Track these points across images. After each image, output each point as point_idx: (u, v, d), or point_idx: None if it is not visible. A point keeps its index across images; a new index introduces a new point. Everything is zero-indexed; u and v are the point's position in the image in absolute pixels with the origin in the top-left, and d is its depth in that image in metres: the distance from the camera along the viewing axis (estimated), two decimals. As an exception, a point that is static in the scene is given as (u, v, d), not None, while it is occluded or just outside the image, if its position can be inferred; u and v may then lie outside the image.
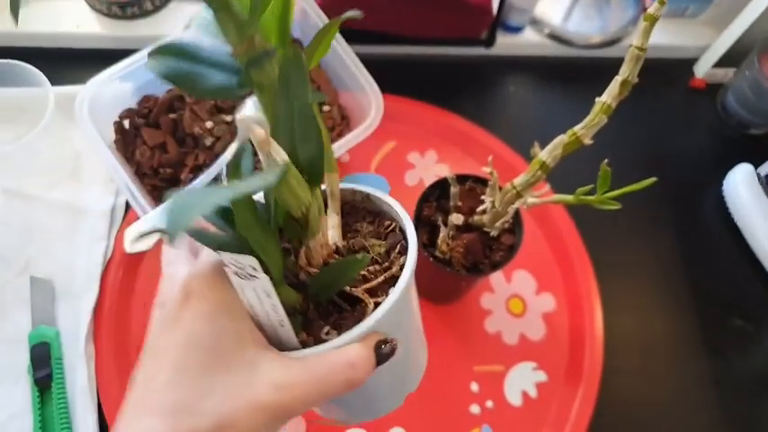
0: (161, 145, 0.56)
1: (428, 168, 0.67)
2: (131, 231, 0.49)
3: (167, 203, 0.19)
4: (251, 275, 0.25)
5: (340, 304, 0.31)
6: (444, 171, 0.66)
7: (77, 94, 0.54)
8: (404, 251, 0.33)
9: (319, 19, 0.58)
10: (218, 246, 0.26)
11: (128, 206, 0.62)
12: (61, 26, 0.70)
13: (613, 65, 0.37)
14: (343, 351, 0.26)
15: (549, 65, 0.76)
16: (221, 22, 0.23)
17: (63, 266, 0.59)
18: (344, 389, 0.26)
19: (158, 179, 0.56)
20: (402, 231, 0.35)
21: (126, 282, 0.59)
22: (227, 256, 0.25)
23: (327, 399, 0.26)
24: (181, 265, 0.30)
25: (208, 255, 0.28)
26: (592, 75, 0.72)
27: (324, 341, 0.28)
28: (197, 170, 0.57)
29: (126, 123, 0.58)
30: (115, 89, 0.57)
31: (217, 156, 0.57)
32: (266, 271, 0.26)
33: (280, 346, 0.28)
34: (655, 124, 0.73)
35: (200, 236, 0.26)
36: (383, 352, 0.28)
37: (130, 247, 0.48)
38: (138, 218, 0.51)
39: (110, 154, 0.51)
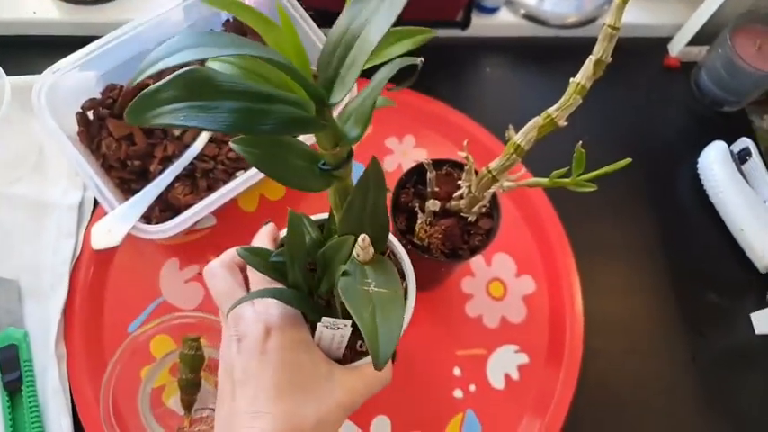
0: (128, 136, 0.54)
1: (406, 153, 0.66)
2: (100, 227, 0.47)
3: None
4: (339, 327, 0.36)
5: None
6: (422, 156, 0.65)
7: (35, 84, 0.52)
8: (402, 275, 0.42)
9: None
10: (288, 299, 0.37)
11: (96, 201, 0.60)
12: (17, 12, 0.67)
13: (590, 45, 0.37)
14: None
15: (525, 45, 0.75)
16: (321, 137, 0.31)
17: (29, 265, 0.57)
18: (382, 386, 0.38)
19: (126, 172, 0.54)
20: (395, 255, 0.43)
21: (97, 279, 0.57)
22: (328, 320, 0.36)
23: (372, 395, 0.37)
24: (247, 307, 0.37)
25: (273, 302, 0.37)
26: (568, 55, 0.71)
27: (359, 352, 0.40)
28: (166, 161, 0.55)
29: (90, 114, 0.55)
30: (76, 78, 0.55)
31: (186, 146, 0.56)
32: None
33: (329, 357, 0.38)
34: (629, 104, 0.73)
35: (280, 294, 0.37)
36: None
37: (99, 243, 0.47)
38: (105, 213, 0.49)
39: (72, 147, 0.49)
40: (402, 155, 0.66)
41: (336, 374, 0.36)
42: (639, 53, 0.74)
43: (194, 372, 0.52)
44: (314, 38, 0.58)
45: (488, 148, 0.64)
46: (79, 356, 0.54)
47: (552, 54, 0.74)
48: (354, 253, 0.35)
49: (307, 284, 0.40)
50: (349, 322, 0.36)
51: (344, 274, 0.35)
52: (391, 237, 0.41)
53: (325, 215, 0.42)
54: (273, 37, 0.30)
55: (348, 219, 0.37)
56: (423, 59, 0.33)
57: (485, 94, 0.72)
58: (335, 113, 0.31)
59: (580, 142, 0.38)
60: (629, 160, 0.37)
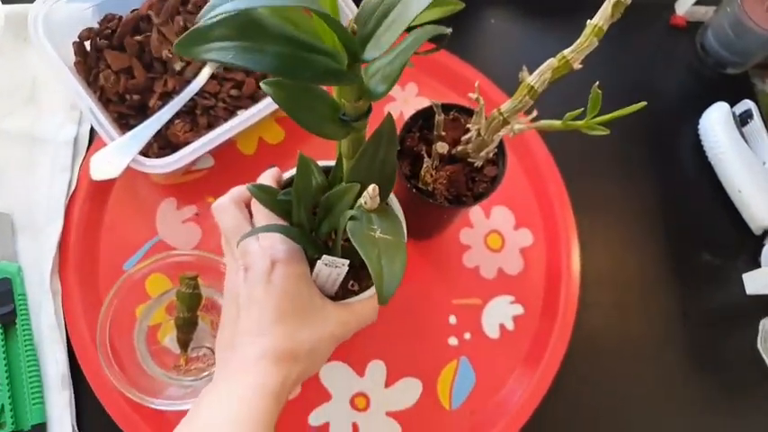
0: (127, 69, 0.53)
1: (408, 102, 0.65)
2: (99, 158, 0.46)
3: None
4: (337, 266, 0.39)
5: (356, 265, 0.42)
6: (425, 104, 0.64)
7: (30, 11, 0.50)
8: None
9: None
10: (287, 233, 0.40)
11: (92, 135, 0.58)
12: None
13: (599, 1, 0.36)
14: (371, 301, 0.42)
15: (531, -2, 0.74)
16: (347, 89, 0.32)
17: (22, 199, 0.56)
18: (369, 323, 0.42)
19: (125, 106, 0.53)
20: (389, 206, 0.44)
21: (92, 216, 0.56)
22: (328, 258, 0.38)
23: (360, 329, 0.42)
24: (253, 241, 0.40)
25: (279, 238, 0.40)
26: (574, 6, 0.71)
27: (349, 290, 0.43)
28: (166, 97, 0.53)
29: (87, 45, 0.53)
30: (72, 7, 0.53)
31: (187, 82, 0.54)
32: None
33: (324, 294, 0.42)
34: (633, 62, 0.72)
35: (287, 231, 0.40)
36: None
37: (98, 173, 0.46)
38: (103, 145, 0.48)
39: (71, 76, 0.48)
40: (404, 103, 0.65)
41: (329, 308, 0.40)
42: (645, 11, 0.73)
43: (191, 310, 0.51)
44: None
45: (491, 99, 0.63)
46: (74, 292, 0.53)
47: (557, 6, 0.73)
48: (362, 200, 0.37)
49: (309, 224, 0.42)
50: (347, 262, 0.39)
51: (352, 218, 0.37)
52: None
53: (330, 162, 0.44)
54: None
55: (358, 168, 0.39)
56: (451, 29, 0.34)
57: (489, 45, 0.71)
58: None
59: (597, 83, 0.37)
60: (644, 103, 0.37)
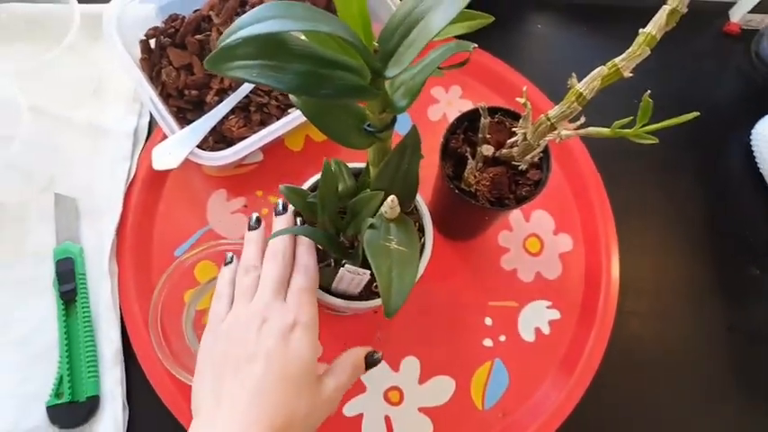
0: (187, 66, 0.56)
1: (452, 104, 0.66)
2: (161, 149, 0.49)
3: None
4: (358, 274, 0.41)
5: None
6: (468, 106, 0.65)
7: (103, 11, 0.53)
8: (421, 229, 0.47)
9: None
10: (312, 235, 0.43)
11: (150, 128, 0.61)
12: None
13: (644, 9, 0.36)
14: (347, 366, 0.41)
15: (578, 4, 0.74)
16: (371, 103, 0.34)
17: (86, 185, 0.59)
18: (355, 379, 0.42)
19: (183, 101, 0.56)
20: (417, 211, 0.47)
21: (149, 202, 0.59)
22: (350, 267, 0.40)
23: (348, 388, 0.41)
24: (275, 296, 0.40)
25: (307, 290, 0.40)
26: (623, 17, 0.71)
27: (373, 291, 0.45)
28: (222, 93, 0.56)
29: (152, 43, 0.57)
30: (141, 7, 0.56)
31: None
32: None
33: (344, 295, 0.44)
34: (685, 69, 0.71)
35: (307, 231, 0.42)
36: (373, 359, 0.43)
37: (160, 164, 0.48)
38: (165, 136, 0.51)
39: (138, 71, 0.51)
40: (447, 105, 0.66)
41: (324, 380, 0.40)
42: (699, 17, 0.72)
43: (237, 297, 0.54)
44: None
45: (534, 103, 0.63)
46: (129, 275, 0.56)
47: (605, 15, 0.73)
48: (383, 209, 0.38)
49: (335, 226, 0.44)
50: (368, 272, 0.40)
51: (371, 227, 0.38)
52: (417, 194, 0.45)
53: (362, 164, 0.45)
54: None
55: (382, 176, 0.40)
56: (476, 45, 0.35)
57: (534, 49, 0.72)
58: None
59: (648, 92, 0.37)
60: (696, 114, 0.37)
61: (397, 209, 0.38)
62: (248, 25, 0.26)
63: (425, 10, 0.30)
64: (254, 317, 0.38)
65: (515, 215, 0.62)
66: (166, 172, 0.59)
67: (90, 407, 0.52)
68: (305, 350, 0.37)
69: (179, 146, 0.49)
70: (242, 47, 0.27)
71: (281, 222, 0.43)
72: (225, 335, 0.39)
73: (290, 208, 0.44)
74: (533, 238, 0.61)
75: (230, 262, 0.44)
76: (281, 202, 0.44)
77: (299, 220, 0.45)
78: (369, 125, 0.37)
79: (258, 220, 0.44)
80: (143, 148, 0.60)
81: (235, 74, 0.28)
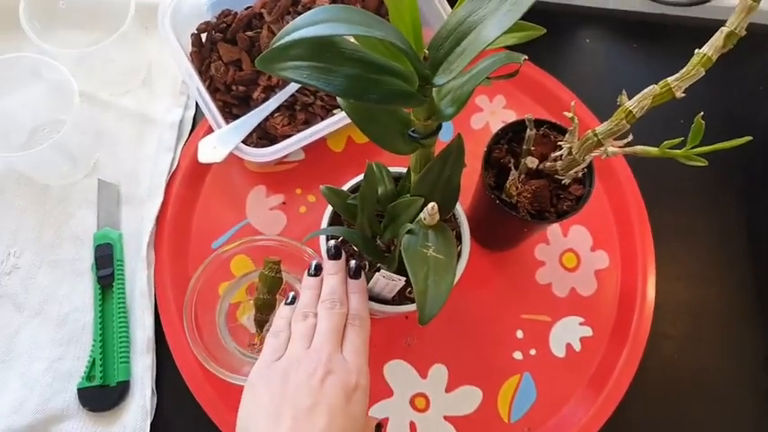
0: (236, 61, 0.56)
1: (495, 113, 0.66)
2: (206, 143, 0.49)
3: None
4: (393, 280, 0.42)
5: None
6: (511, 117, 0.65)
7: (159, 3, 0.54)
8: (458, 237, 0.47)
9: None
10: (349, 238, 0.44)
11: (195, 121, 0.62)
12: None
13: (697, 27, 0.36)
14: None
15: (628, 20, 0.73)
16: (418, 109, 0.34)
17: (129, 172, 0.60)
18: None
19: (230, 96, 0.56)
20: (455, 219, 0.48)
21: (189, 194, 0.60)
22: (386, 273, 0.41)
23: None
24: (338, 353, 0.40)
25: (364, 348, 0.41)
26: (673, 35, 0.69)
27: (407, 297, 0.46)
28: (269, 90, 0.57)
29: (203, 37, 0.57)
30: (193, 2, 0.57)
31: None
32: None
33: (377, 298, 0.45)
34: (735, 90, 0.69)
35: (347, 233, 0.43)
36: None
37: (205, 157, 0.49)
38: (209, 129, 0.51)
39: (189, 63, 0.51)
40: (491, 114, 0.66)
41: None
42: (753, 39, 0.70)
43: (271, 293, 0.54)
44: (438, 6, 0.58)
45: (580, 118, 0.63)
46: (165, 264, 0.57)
47: (657, 32, 0.71)
48: (422, 216, 0.38)
49: (372, 229, 0.44)
50: (403, 279, 0.41)
51: (409, 232, 0.38)
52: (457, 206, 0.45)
53: (403, 169, 0.45)
54: (396, 5, 0.32)
55: (423, 183, 0.40)
56: (526, 57, 0.34)
57: (581, 64, 0.71)
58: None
59: (701, 113, 0.37)
60: (749, 138, 0.36)
61: (437, 216, 0.38)
62: (303, 27, 0.26)
63: (479, 20, 0.30)
64: (315, 365, 0.38)
65: (553, 229, 0.61)
66: (208, 165, 0.59)
67: (120, 391, 0.53)
68: (361, 413, 0.38)
69: (224, 140, 0.50)
70: (294, 48, 0.28)
71: (334, 268, 0.44)
72: (282, 372, 0.39)
73: (343, 255, 0.44)
74: (570, 254, 0.61)
75: (291, 302, 0.45)
76: (333, 244, 0.44)
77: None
78: (413, 131, 0.37)
79: (318, 268, 0.45)
80: (187, 140, 0.61)
81: (286, 74, 0.28)
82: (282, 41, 0.26)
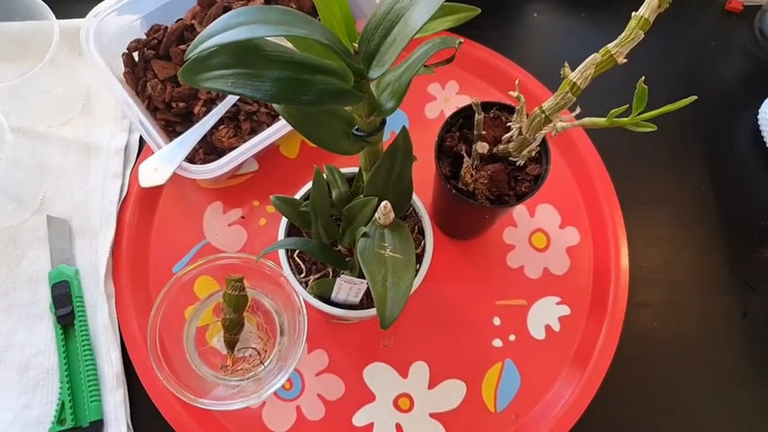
0: (172, 78, 0.54)
1: (449, 100, 0.64)
2: (147, 166, 0.48)
3: None
4: (356, 283, 0.41)
5: None
6: (466, 102, 0.63)
7: (81, 25, 0.52)
8: (421, 232, 0.47)
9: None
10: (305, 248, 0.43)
11: (141, 144, 0.60)
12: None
13: None
14: None
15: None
16: (357, 106, 0.33)
17: (78, 205, 0.58)
18: None
19: (171, 114, 0.54)
20: (416, 213, 0.48)
21: (143, 221, 0.58)
22: (346, 278, 0.41)
23: None
24: None
25: None
26: (619, 3, 0.68)
27: None
28: (210, 103, 0.55)
29: (135, 56, 0.55)
30: (122, 20, 0.55)
31: (230, 88, 0.55)
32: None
33: (344, 304, 0.45)
34: (687, 49, 0.69)
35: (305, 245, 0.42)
36: None
37: (146, 181, 0.47)
38: (152, 153, 0.49)
39: (120, 87, 0.49)
40: (444, 101, 0.64)
41: None
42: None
43: (237, 312, 0.52)
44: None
45: (534, 95, 0.62)
46: (126, 294, 0.55)
47: (602, 1, 0.70)
48: (376, 216, 0.37)
49: (330, 235, 0.43)
50: (364, 281, 0.40)
51: (364, 235, 0.37)
52: (414, 196, 0.44)
53: (356, 169, 0.44)
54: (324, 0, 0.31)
55: (374, 182, 0.39)
56: (462, 41, 0.34)
57: (531, 40, 0.70)
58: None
59: (642, 78, 0.36)
60: (694, 98, 0.35)
61: (391, 215, 0.37)
62: (217, 33, 0.25)
63: (405, 6, 0.29)
64: None
65: (520, 211, 0.60)
66: (159, 187, 0.57)
67: (94, 431, 0.51)
68: None
69: (165, 161, 0.48)
70: (215, 56, 0.26)
71: None
72: None
73: None
74: (539, 234, 0.60)
75: None
76: None
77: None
78: (357, 129, 0.35)
79: None
80: (134, 164, 0.59)
81: (210, 84, 0.26)
82: (197, 50, 0.25)
